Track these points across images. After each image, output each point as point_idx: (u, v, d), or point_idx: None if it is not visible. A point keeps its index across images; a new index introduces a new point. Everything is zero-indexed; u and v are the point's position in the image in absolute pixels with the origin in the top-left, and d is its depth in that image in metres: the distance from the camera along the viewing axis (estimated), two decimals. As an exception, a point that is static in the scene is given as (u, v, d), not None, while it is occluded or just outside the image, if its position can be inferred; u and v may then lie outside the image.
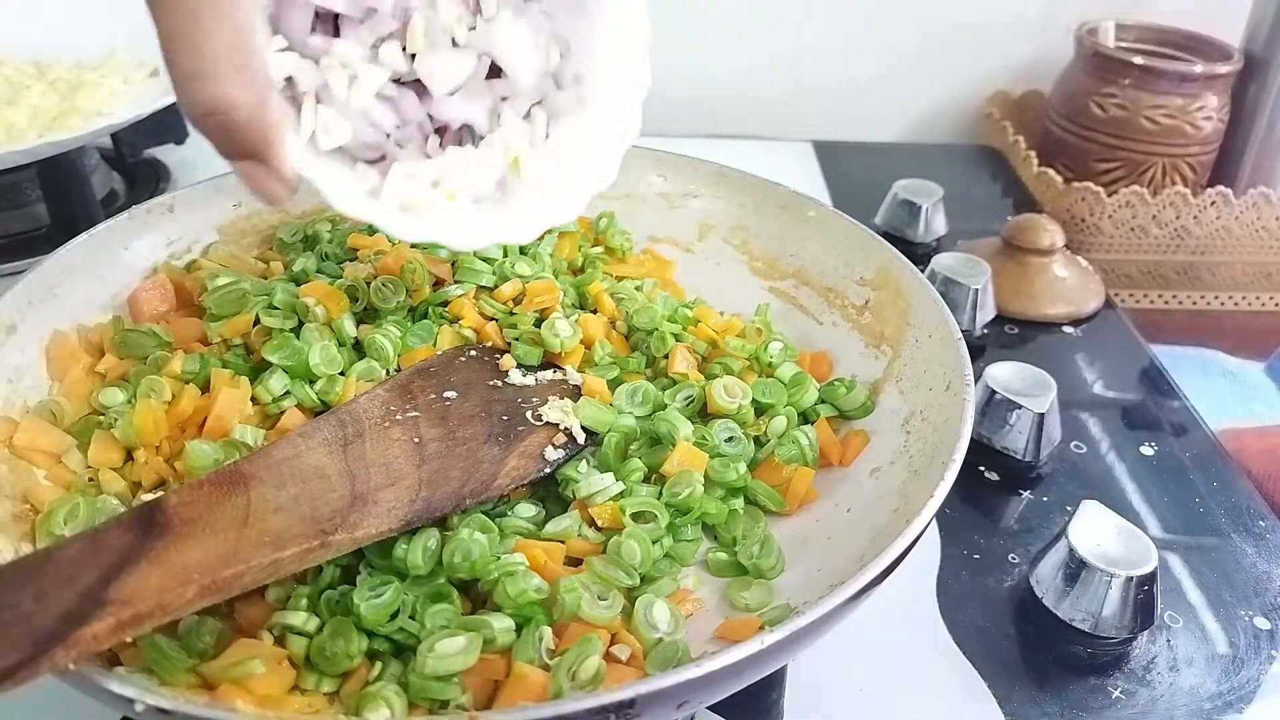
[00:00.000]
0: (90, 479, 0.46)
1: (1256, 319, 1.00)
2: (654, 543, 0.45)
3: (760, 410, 0.53)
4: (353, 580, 0.42)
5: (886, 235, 0.70)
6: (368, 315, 0.54)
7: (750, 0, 1.06)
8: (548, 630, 0.40)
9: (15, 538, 0.42)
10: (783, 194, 0.64)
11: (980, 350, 0.74)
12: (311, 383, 0.50)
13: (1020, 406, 0.61)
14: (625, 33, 0.45)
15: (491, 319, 0.54)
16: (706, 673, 0.32)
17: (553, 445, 0.48)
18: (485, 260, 0.58)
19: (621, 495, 0.47)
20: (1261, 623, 0.52)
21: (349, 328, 0.52)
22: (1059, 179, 0.94)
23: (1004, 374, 0.63)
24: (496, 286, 0.56)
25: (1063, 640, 0.51)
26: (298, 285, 0.55)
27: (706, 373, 0.55)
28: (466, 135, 0.45)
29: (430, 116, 0.44)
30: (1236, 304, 0.99)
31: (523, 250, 0.60)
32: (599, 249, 0.65)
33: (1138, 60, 0.93)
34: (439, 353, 0.52)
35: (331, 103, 0.41)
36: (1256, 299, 0.99)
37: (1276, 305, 1.00)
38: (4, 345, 0.48)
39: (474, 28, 0.43)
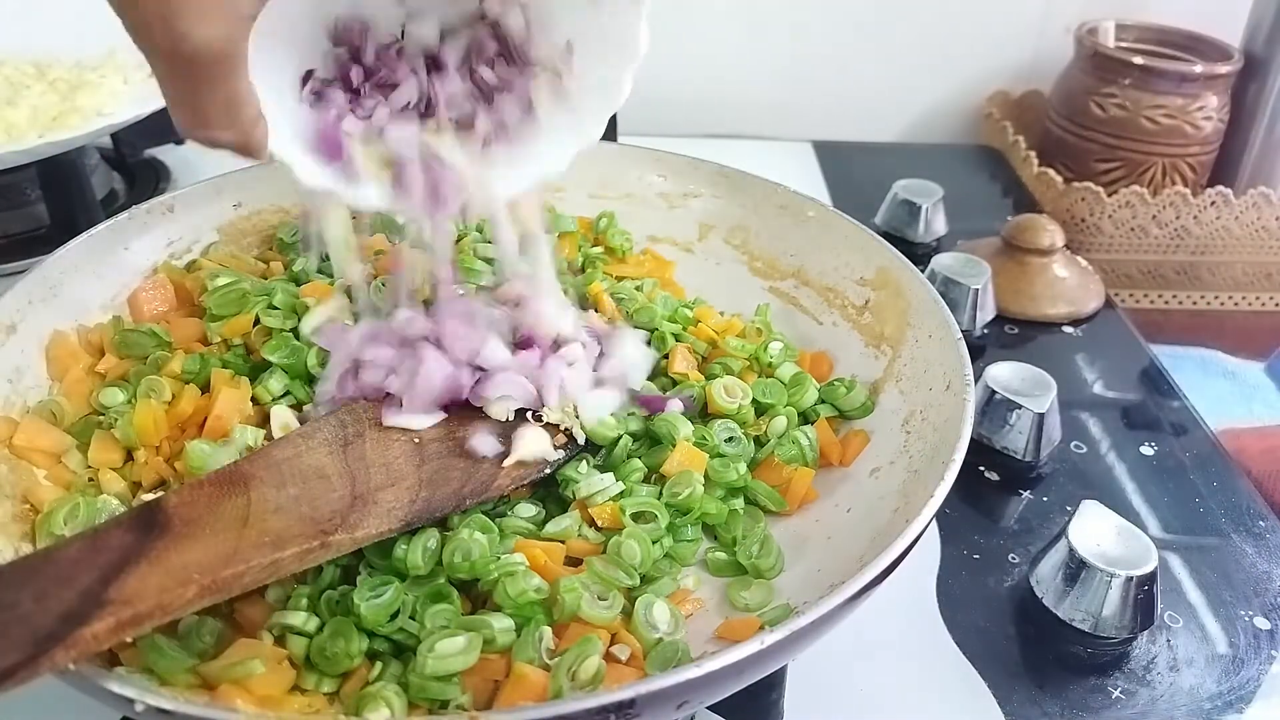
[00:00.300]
0: (90, 479, 0.46)
1: (1256, 319, 1.00)
2: (654, 543, 0.45)
3: (760, 410, 0.53)
4: (353, 580, 0.42)
5: (886, 235, 0.70)
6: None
7: (751, 0, 1.06)
8: (548, 630, 0.40)
9: (15, 538, 0.42)
10: (783, 194, 0.64)
11: (980, 350, 0.74)
12: (311, 382, 0.50)
13: (1020, 406, 0.61)
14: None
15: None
16: (706, 673, 0.32)
17: (553, 445, 0.48)
18: (486, 261, 0.58)
19: (621, 495, 0.47)
20: (1261, 623, 0.52)
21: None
22: (1059, 179, 0.94)
23: (1004, 374, 0.63)
24: (497, 286, 0.56)
25: (1063, 640, 0.51)
26: (298, 285, 0.55)
27: (706, 373, 0.55)
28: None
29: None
30: (1236, 304, 0.99)
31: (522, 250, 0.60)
32: (599, 249, 0.65)
33: (1138, 60, 0.93)
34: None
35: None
36: (1256, 299, 0.99)
37: (1276, 305, 1.00)
38: (4, 345, 0.48)
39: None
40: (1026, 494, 0.60)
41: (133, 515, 0.37)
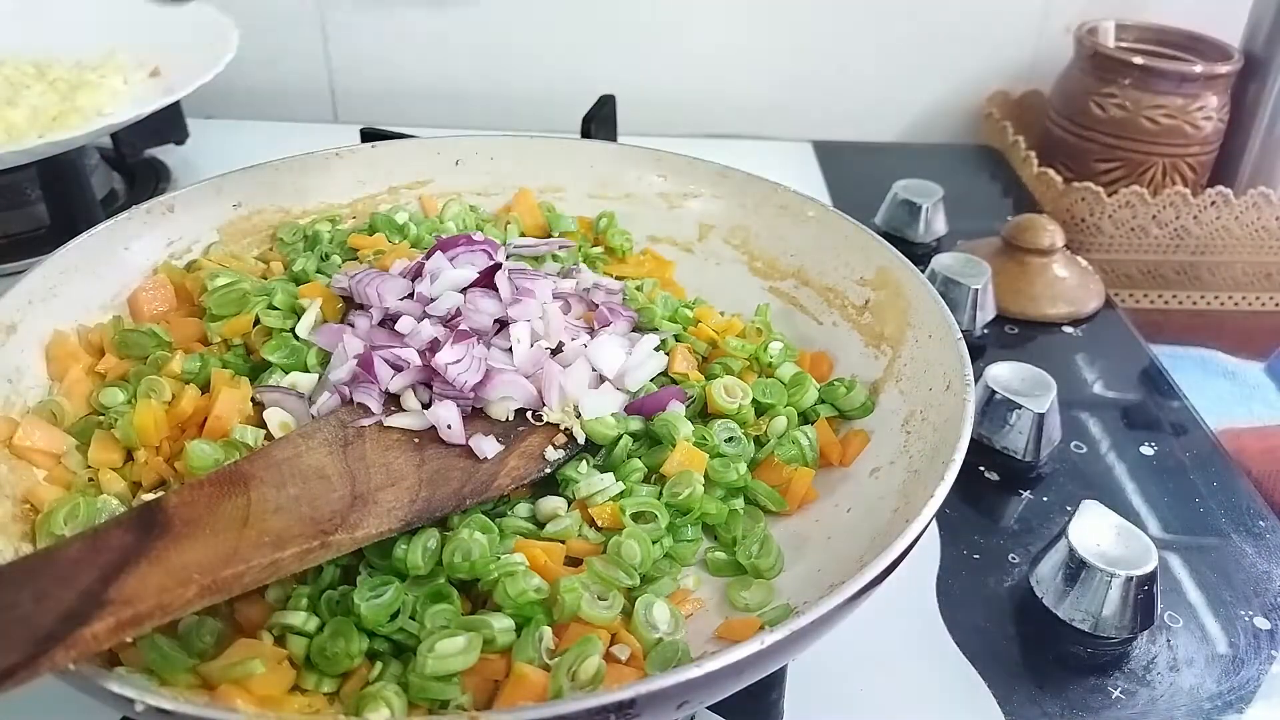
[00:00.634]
0: (90, 479, 0.46)
1: (1256, 319, 1.00)
2: (654, 543, 0.45)
3: (760, 410, 0.53)
4: (353, 580, 0.42)
5: (886, 235, 0.70)
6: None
7: (751, 0, 1.06)
8: (548, 630, 0.40)
9: (15, 538, 0.42)
10: (783, 194, 0.64)
11: (980, 350, 0.74)
12: (311, 383, 0.50)
13: (1020, 406, 0.61)
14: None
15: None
16: (706, 673, 0.32)
17: (553, 445, 0.48)
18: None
19: (621, 495, 0.47)
20: (1261, 623, 0.52)
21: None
22: (1059, 179, 0.94)
23: (1004, 374, 0.63)
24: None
25: (1063, 640, 0.51)
26: (298, 285, 0.55)
27: (706, 373, 0.55)
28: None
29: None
30: (1236, 304, 0.99)
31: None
32: (599, 249, 0.65)
33: (1138, 60, 0.93)
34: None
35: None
36: (1256, 299, 0.99)
37: (1276, 305, 0.99)
38: (4, 345, 0.48)
39: None
40: (1026, 494, 0.60)
41: (133, 515, 0.37)
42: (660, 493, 0.48)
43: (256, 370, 0.51)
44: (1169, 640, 0.51)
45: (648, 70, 1.09)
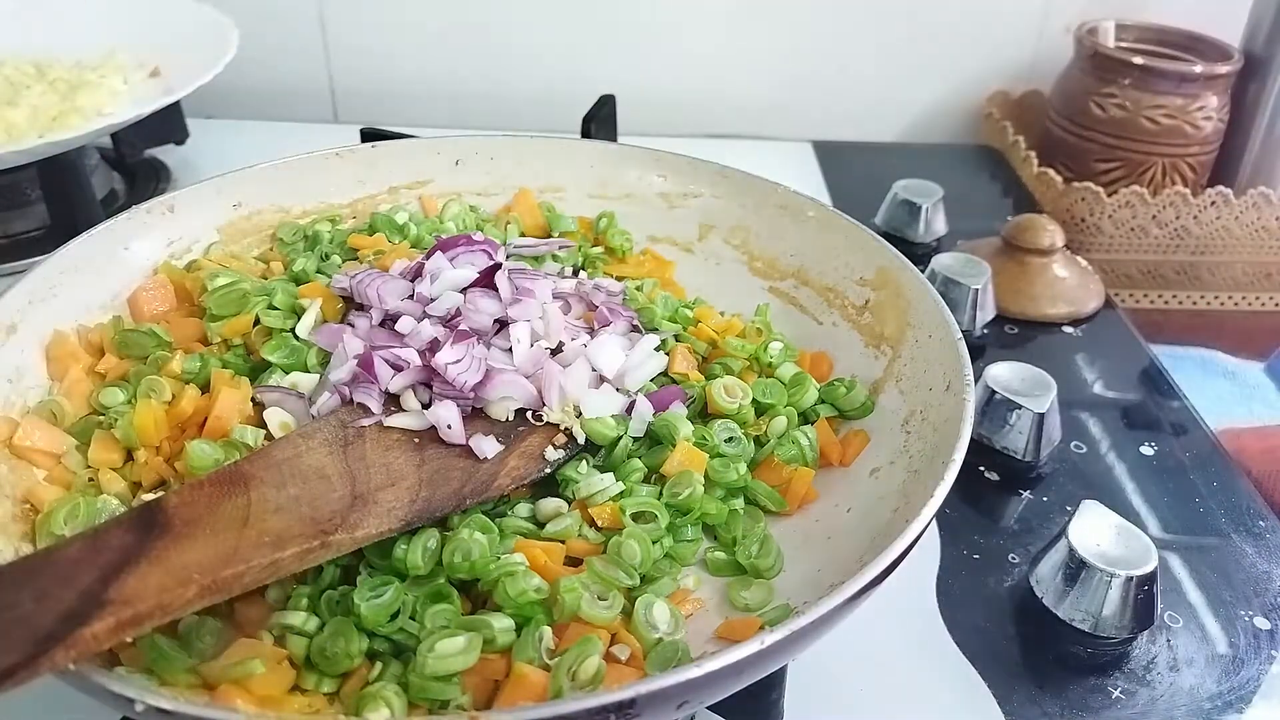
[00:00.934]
0: (90, 479, 0.46)
1: (1256, 319, 1.00)
2: (654, 543, 0.45)
3: (760, 410, 0.53)
4: (353, 580, 0.42)
5: (886, 235, 0.70)
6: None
7: (751, 0, 1.06)
8: (548, 630, 0.40)
9: (15, 538, 0.42)
10: (783, 194, 0.64)
11: (980, 350, 0.74)
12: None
13: (1020, 406, 0.61)
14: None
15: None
16: (706, 673, 0.32)
17: (553, 445, 0.48)
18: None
19: (621, 495, 0.47)
20: (1261, 623, 0.52)
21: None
22: (1059, 179, 0.94)
23: (1004, 374, 0.63)
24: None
25: (1063, 640, 0.51)
26: (298, 285, 0.55)
27: (706, 373, 0.55)
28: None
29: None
30: (1236, 304, 0.99)
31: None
32: (599, 249, 0.65)
33: (1138, 60, 0.93)
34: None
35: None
36: (1256, 299, 0.99)
37: (1276, 305, 0.99)
38: (4, 345, 0.48)
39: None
40: (1026, 494, 0.60)
41: (133, 515, 0.37)
42: (660, 493, 0.48)
43: (256, 370, 0.51)
44: (1169, 640, 0.51)
45: (648, 70, 1.09)
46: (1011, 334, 0.77)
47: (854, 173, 1.01)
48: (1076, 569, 0.50)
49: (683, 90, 1.10)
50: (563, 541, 0.45)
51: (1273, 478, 0.67)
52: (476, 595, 0.43)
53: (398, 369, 0.48)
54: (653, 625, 0.42)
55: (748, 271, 0.64)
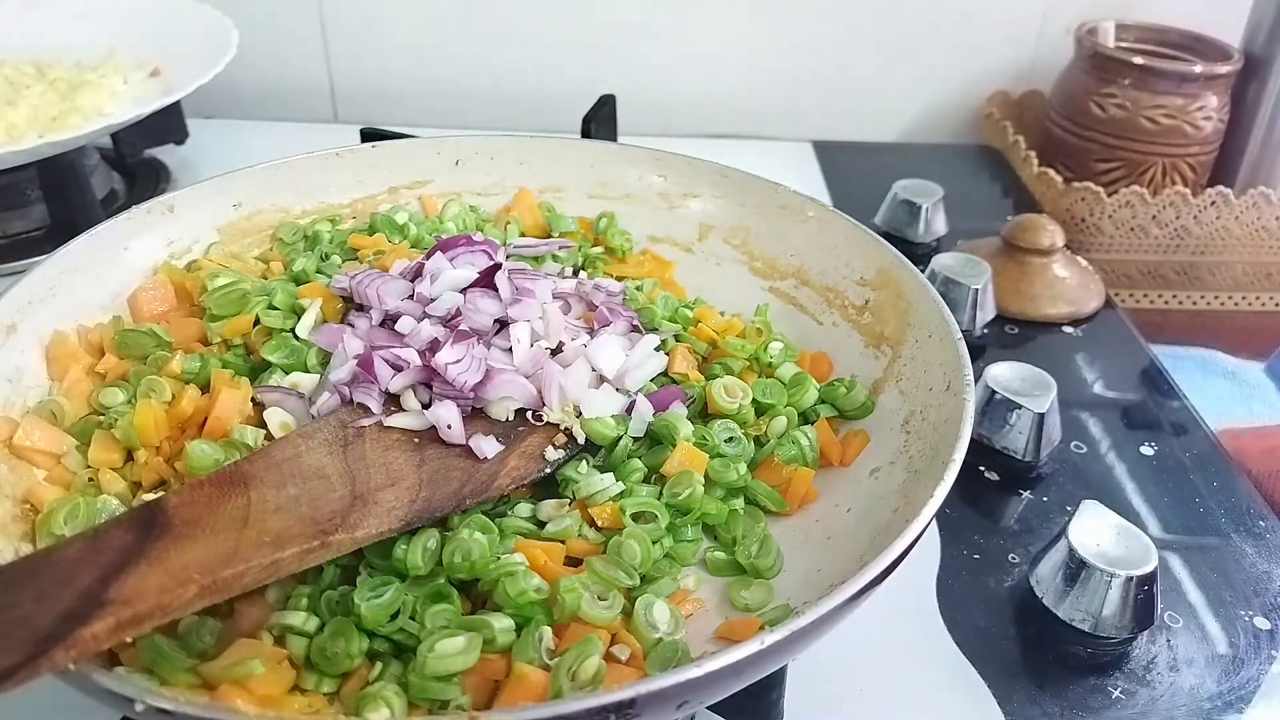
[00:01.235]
0: (90, 479, 0.46)
1: (1256, 319, 1.00)
2: (654, 543, 0.45)
3: (760, 410, 0.53)
4: (353, 580, 0.42)
5: (886, 235, 0.70)
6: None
7: (751, 1, 1.06)
8: (548, 630, 0.40)
9: (15, 538, 0.42)
10: (783, 194, 0.64)
11: (980, 350, 0.74)
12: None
13: (1020, 406, 0.61)
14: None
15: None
16: (706, 673, 0.32)
17: (553, 445, 0.48)
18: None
19: (621, 495, 0.47)
20: (1261, 623, 0.52)
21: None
22: (1059, 179, 0.94)
23: (1004, 374, 0.63)
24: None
25: (1063, 640, 0.51)
26: (298, 285, 0.55)
27: (706, 373, 0.55)
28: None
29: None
30: (1236, 304, 0.99)
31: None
32: (599, 249, 0.65)
33: (1138, 60, 0.93)
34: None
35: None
36: (1256, 299, 0.99)
37: (1276, 305, 0.99)
38: (4, 345, 0.48)
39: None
40: (1026, 494, 0.60)
41: (133, 515, 0.37)
42: (660, 493, 0.48)
43: (256, 370, 0.51)
44: (1169, 640, 0.51)
45: (648, 70, 1.09)
46: (1011, 334, 0.77)
47: (854, 173, 1.01)
48: (1076, 569, 0.50)
49: (683, 90, 1.10)
50: (563, 541, 0.45)
51: (1273, 478, 0.67)
52: (476, 595, 0.43)
53: (398, 369, 0.48)
54: (653, 625, 0.42)
55: (748, 271, 0.64)
